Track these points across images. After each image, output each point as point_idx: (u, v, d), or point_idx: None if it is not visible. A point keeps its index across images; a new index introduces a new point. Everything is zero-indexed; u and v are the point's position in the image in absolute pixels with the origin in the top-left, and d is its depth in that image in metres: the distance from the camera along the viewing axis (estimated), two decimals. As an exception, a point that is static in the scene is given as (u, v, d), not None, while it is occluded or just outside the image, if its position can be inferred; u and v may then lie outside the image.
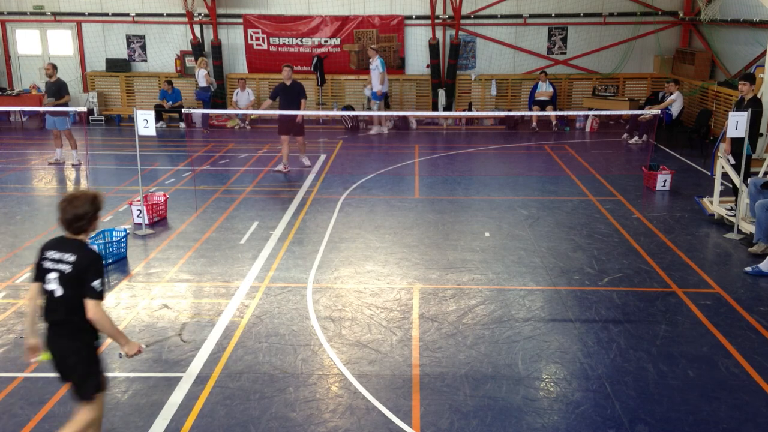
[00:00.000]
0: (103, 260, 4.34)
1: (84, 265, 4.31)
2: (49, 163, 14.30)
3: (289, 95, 13.21)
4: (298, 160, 13.83)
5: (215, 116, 18.65)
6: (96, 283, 4.29)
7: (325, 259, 8.85)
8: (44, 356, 4.50)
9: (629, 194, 11.83)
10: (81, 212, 4.39)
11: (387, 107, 18.98)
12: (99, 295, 4.31)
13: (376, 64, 17.49)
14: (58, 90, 14.14)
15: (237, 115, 18.68)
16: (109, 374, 6.01)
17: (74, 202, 4.41)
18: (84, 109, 12.86)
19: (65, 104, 14.05)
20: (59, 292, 4.34)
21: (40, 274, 4.44)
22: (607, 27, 19.39)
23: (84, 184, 12.94)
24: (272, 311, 7.31)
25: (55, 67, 14.26)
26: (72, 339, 4.42)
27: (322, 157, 14.84)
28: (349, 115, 18.12)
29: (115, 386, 5.85)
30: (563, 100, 19.60)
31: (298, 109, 13.09)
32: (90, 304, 4.29)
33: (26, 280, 8.13)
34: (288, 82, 13.22)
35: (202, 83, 18.61)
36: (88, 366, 4.51)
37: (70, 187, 12.91)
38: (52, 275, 4.36)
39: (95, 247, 4.48)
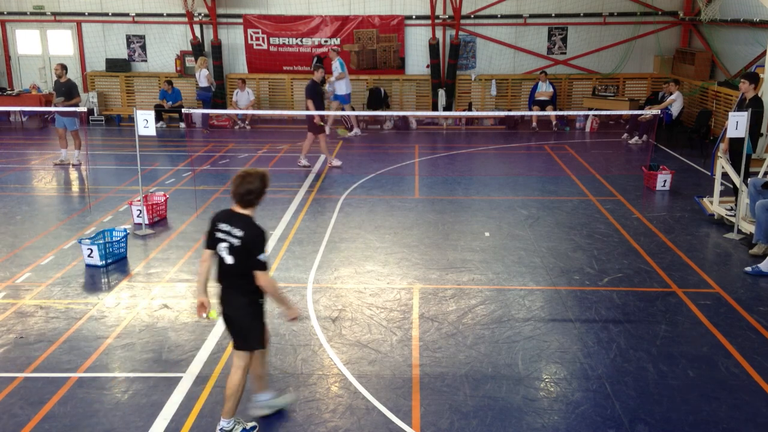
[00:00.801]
0: (266, 235, 4.99)
1: (250, 241, 4.87)
2: (55, 164, 14.27)
3: (320, 94, 14.05)
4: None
5: (215, 116, 18.65)
6: (261, 257, 4.89)
7: (325, 259, 8.85)
8: (212, 314, 5.17)
9: (629, 194, 11.83)
10: (252, 187, 4.93)
11: (387, 107, 18.98)
12: (264, 266, 4.92)
13: (335, 65, 17.54)
14: (68, 91, 14.15)
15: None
16: (109, 374, 6.04)
17: (247, 178, 4.94)
18: (84, 109, 12.85)
19: (76, 105, 14.06)
20: (229, 260, 4.96)
21: (212, 243, 5.05)
22: (607, 27, 19.39)
23: (86, 185, 12.93)
24: (272, 311, 7.29)
25: (64, 68, 14.28)
26: (241, 298, 5.03)
27: (323, 157, 14.84)
28: (349, 115, 18.12)
29: (115, 386, 5.86)
30: (563, 100, 19.60)
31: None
32: (258, 275, 4.90)
33: (27, 280, 8.14)
34: (320, 81, 13.89)
35: (204, 83, 18.59)
36: (253, 320, 5.10)
37: (73, 186, 12.90)
38: (223, 245, 4.97)
39: (259, 224, 5.02)
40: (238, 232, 4.87)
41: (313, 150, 15.06)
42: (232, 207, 5.03)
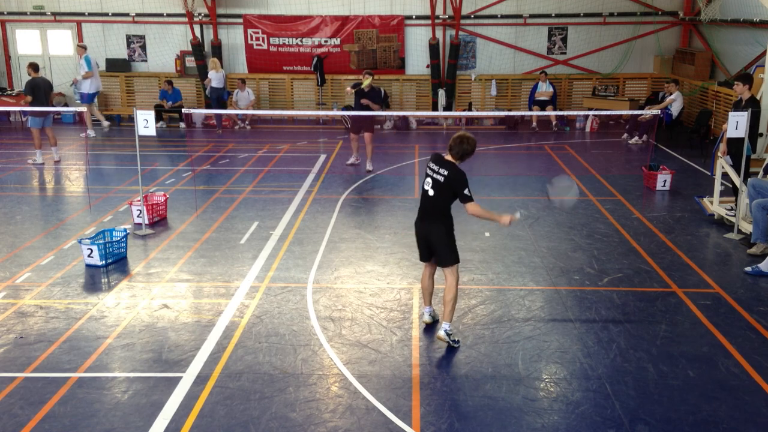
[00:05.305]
0: (466, 176, 6.21)
1: (452, 179, 6.15)
2: (55, 162, 14.40)
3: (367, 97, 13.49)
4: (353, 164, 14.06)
5: (213, 116, 18.64)
6: (466, 191, 6.15)
7: (325, 259, 8.85)
8: None
9: (629, 194, 11.83)
10: (468, 149, 6.22)
11: (387, 107, 18.94)
12: (470, 198, 6.18)
13: (81, 62, 17.43)
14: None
15: (238, 116, 18.70)
16: (109, 374, 6.04)
17: (465, 141, 6.19)
18: (84, 108, 12.85)
19: (29, 103, 14.10)
20: (431, 192, 6.31)
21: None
22: (607, 27, 19.39)
23: (84, 184, 12.93)
24: (272, 311, 7.31)
25: (29, 66, 14.40)
26: (440, 225, 6.37)
27: (322, 157, 14.84)
28: (349, 115, 18.10)
29: (115, 386, 5.86)
30: (563, 100, 19.60)
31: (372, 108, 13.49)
32: (468, 206, 6.21)
33: (27, 280, 8.14)
34: (366, 89, 13.31)
35: (222, 84, 18.54)
36: (450, 241, 6.43)
37: (73, 186, 12.88)
38: (428, 180, 6.30)
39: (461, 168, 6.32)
40: (444, 171, 6.17)
41: (312, 150, 15.07)
42: (445, 154, 6.27)
